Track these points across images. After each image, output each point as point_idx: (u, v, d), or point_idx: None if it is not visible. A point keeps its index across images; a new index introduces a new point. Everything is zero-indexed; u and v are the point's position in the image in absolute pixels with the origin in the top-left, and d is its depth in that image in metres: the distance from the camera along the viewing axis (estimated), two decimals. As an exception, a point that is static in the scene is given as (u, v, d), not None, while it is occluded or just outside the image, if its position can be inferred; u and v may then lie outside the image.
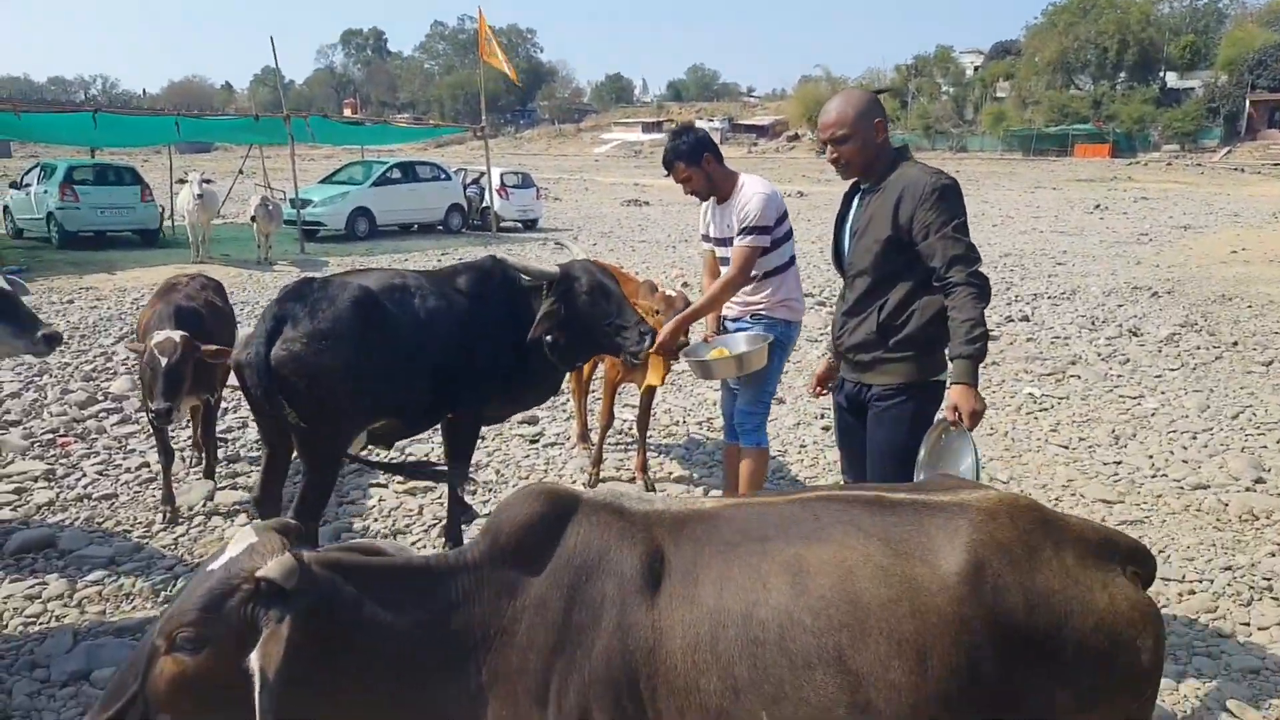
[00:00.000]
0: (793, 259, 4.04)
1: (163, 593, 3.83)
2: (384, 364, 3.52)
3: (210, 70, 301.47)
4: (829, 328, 3.82)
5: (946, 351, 2.80)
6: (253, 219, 14.34)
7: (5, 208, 17.24)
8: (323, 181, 20.11)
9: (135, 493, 4.96)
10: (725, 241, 4.00)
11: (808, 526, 1.78)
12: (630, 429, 6.05)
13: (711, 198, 4.06)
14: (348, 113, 69.34)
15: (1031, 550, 1.72)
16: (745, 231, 3.82)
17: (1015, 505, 1.81)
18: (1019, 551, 1.71)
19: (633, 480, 5.20)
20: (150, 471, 5.21)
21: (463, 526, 4.29)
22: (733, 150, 64.01)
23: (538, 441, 5.89)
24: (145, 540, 4.36)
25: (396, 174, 19.55)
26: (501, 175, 21.63)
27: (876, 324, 2.93)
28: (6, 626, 3.52)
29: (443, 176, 20.38)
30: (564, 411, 6.39)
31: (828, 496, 1.88)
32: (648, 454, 5.30)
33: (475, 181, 21.58)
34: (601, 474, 5.22)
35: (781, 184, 39.52)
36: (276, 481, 3.75)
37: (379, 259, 15.45)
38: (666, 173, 4.03)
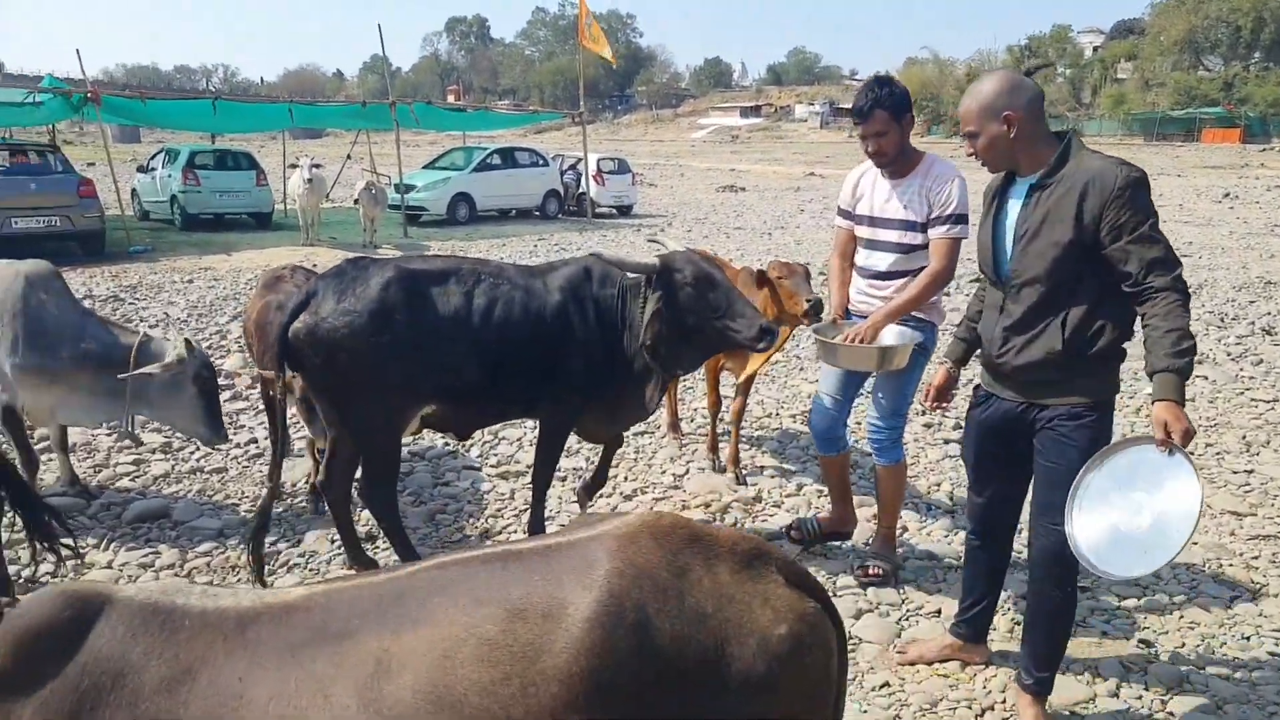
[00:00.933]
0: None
1: (266, 566, 3.96)
2: (413, 345, 3.43)
3: (323, 58, 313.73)
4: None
5: (1146, 365, 2.48)
6: (357, 202, 14.79)
7: (134, 191, 18.26)
8: (426, 167, 20.60)
9: (244, 468, 5.17)
10: (892, 223, 3.59)
11: (409, 607, 1.47)
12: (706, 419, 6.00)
13: (873, 171, 3.66)
14: (451, 99, 70.88)
15: (680, 572, 1.51)
16: (949, 220, 3.44)
17: (658, 525, 1.58)
18: (665, 576, 1.49)
19: (724, 471, 5.12)
20: (258, 448, 5.41)
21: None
22: (834, 134, 62.75)
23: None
24: (251, 514, 4.52)
25: (496, 160, 19.88)
26: (598, 161, 21.73)
27: (1061, 341, 2.62)
28: (124, 592, 3.70)
29: (540, 163, 20.62)
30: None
31: (450, 562, 1.56)
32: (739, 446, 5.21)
33: (572, 167, 21.74)
34: (713, 460, 5.22)
35: (883, 170, 38.60)
36: (340, 465, 3.80)
37: (477, 244, 15.74)
38: (858, 121, 3.52)
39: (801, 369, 7.56)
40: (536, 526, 3.97)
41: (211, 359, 4.03)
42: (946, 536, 4.34)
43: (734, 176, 35.96)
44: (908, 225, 3.56)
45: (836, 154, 43.31)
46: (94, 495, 4.65)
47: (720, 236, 17.51)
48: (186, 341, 4.10)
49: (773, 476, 5.12)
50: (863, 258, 3.77)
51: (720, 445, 5.27)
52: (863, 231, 3.73)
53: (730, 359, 5.01)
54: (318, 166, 14.87)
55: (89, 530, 4.26)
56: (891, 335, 3.54)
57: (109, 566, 3.92)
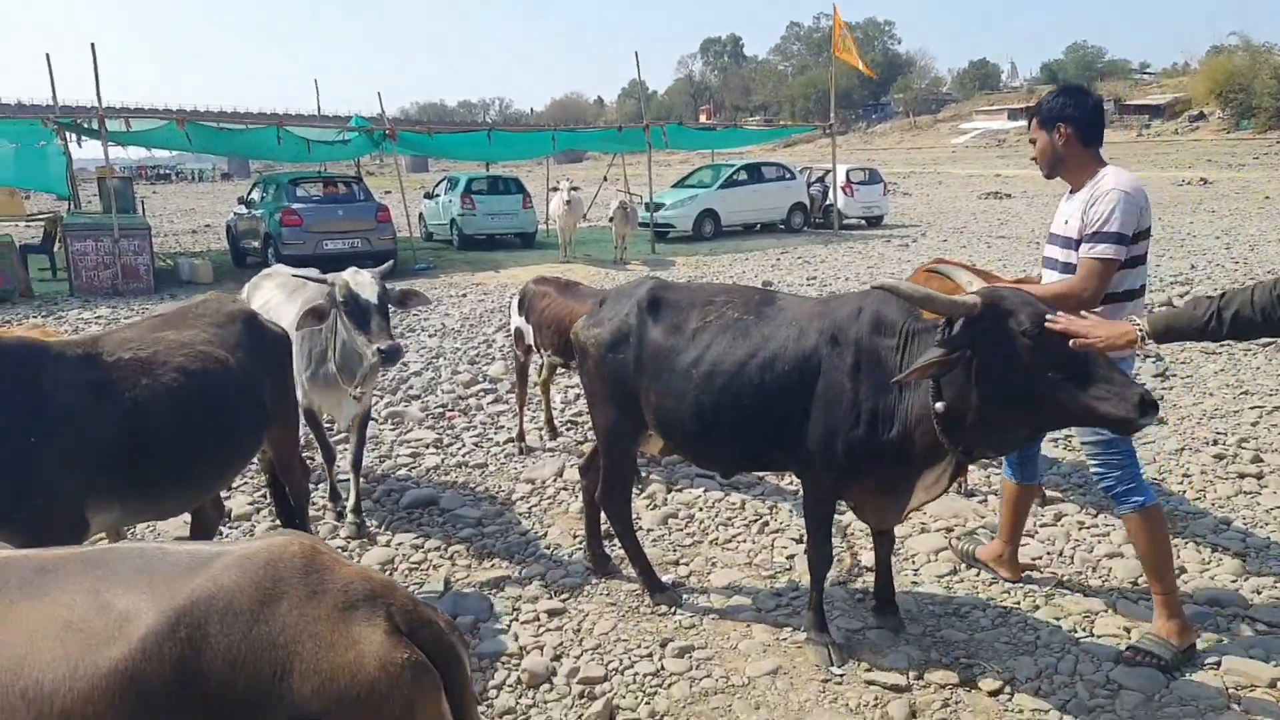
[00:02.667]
0: (1143, 288, 3.28)
1: (516, 555, 4.29)
2: (636, 369, 3.48)
3: (586, 86, 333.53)
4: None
5: None
6: (612, 221, 15.57)
7: (420, 215, 20.45)
8: (675, 186, 21.27)
9: (501, 464, 5.61)
10: (1057, 240, 3.31)
11: (41, 581, 1.60)
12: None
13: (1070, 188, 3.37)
14: (703, 118, 72.69)
15: (267, 600, 1.54)
16: (1095, 238, 3.06)
17: (283, 550, 1.62)
18: (245, 602, 1.53)
19: (971, 495, 4.82)
20: (514, 447, 5.85)
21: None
22: (1118, 134, 56.91)
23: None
24: (506, 507, 4.91)
25: (743, 176, 20.13)
26: (847, 172, 21.34)
27: None
28: (397, 569, 4.16)
29: (787, 176, 20.60)
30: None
31: (101, 550, 1.69)
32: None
33: (820, 180, 21.49)
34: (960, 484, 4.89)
35: (1179, 170, 34.54)
36: (596, 460, 4.01)
37: (720, 259, 15.98)
38: (1028, 129, 3.47)
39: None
40: (816, 617, 3.39)
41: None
42: (1235, 581, 3.80)
43: (999, 183, 33.73)
44: (1068, 242, 3.23)
45: (1123, 155, 38.99)
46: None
47: (980, 246, 16.52)
48: (329, 284, 4.33)
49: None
50: (1045, 278, 3.44)
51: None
52: (1048, 250, 3.43)
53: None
54: (575, 189, 15.84)
55: (373, 513, 4.83)
56: None
57: (388, 545, 4.41)
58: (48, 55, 13.29)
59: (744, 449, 3.39)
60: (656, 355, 3.44)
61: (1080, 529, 4.39)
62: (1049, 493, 4.83)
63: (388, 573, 4.09)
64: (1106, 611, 3.61)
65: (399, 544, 4.43)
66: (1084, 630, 3.48)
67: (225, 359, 3.26)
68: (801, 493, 3.47)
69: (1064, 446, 5.52)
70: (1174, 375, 7.05)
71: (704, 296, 3.53)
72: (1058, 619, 3.56)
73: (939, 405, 2.76)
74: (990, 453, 2.97)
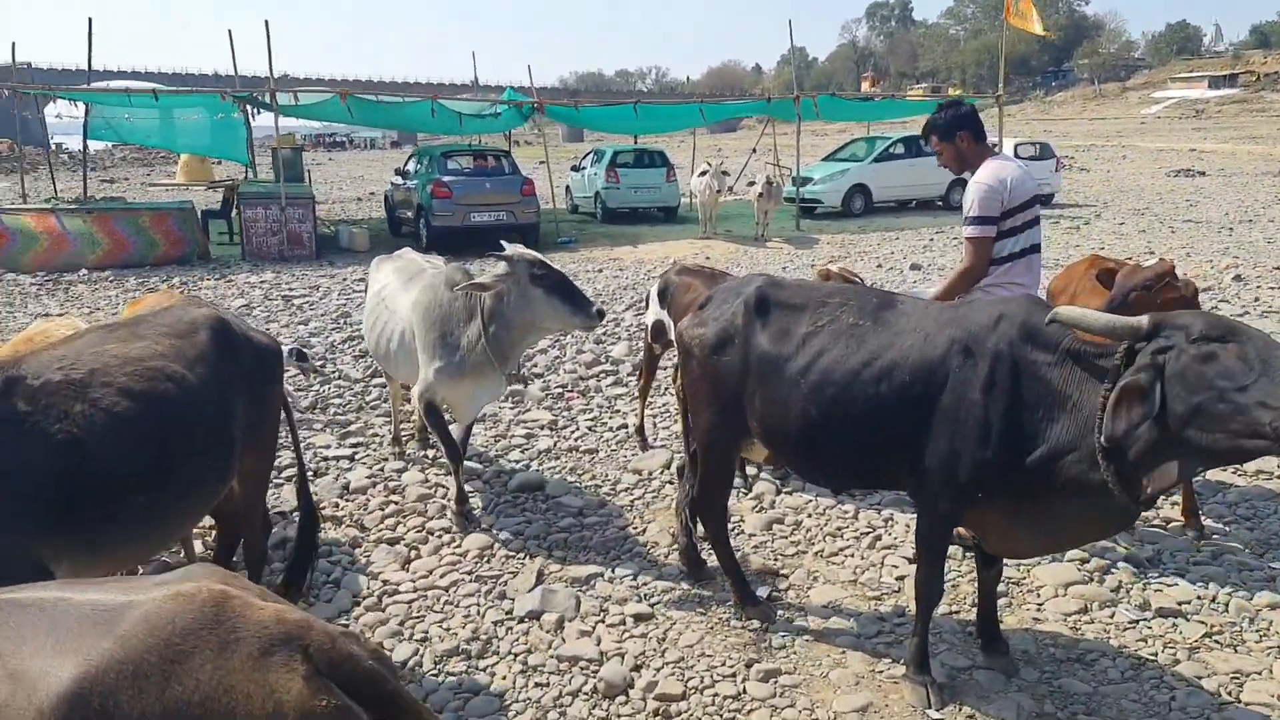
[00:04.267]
0: (1035, 247, 3.85)
1: (612, 550, 4.22)
2: (740, 373, 3.28)
3: (744, 53, 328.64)
4: None
5: None
6: (758, 197, 15.18)
7: (567, 187, 20.70)
8: (825, 159, 20.53)
9: (611, 451, 5.56)
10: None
11: None
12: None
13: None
14: (865, 86, 69.94)
15: (178, 658, 1.49)
16: (966, 223, 3.81)
17: (191, 600, 1.56)
18: (153, 662, 1.48)
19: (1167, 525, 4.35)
20: (627, 433, 5.78)
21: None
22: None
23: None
24: (610, 497, 4.84)
25: (900, 149, 19.18)
26: (1015, 145, 19.92)
27: None
28: (495, 555, 4.18)
29: (948, 150, 19.43)
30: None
31: (20, 599, 1.61)
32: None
33: (985, 154, 20.20)
34: None
35: None
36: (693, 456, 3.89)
37: (868, 236, 15.35)
38: (934, 141, 3.95)
39: None
40: (919, 652, 3.13)
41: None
42: None
43: (1192, 159, 30.78)
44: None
45: (991, 151, 34.55)
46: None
47: (1163, 232, 15.10)
48: (506, 259, 4.24)
49: (1178, 536, 4.23)
50: None
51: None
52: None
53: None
54: (723, 172, 15.48)
55: (480, 493, 4.88)
56: None
57: (488, 531, 4.43)
58: (230, 31, 14.28)
59: (855, 466, 3.18)
60: (763, 360, 3.24)
61: (1242, 570, 3.87)
62: (1207, 522, 4.30)
63: (485, 559, 4.12)
64: (1260, 674, 3.15)
65: (500, 528, 4.44)
66: (1230, 694, 3.05)
67: (182, 377, 2.76)
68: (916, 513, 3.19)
69: (1234, 469, 4.91)
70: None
71: (817, 298, 3.28)
72: (1200, 677, 3.14)
73: (1102, 438, 2.43)
74: (1152, 491, 2.50)
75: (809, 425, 3.10)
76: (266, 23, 13.12)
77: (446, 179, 14.14)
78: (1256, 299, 9.40)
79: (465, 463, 5.18)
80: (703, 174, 15.78)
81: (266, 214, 13.25)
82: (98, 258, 12.17)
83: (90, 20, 15.48)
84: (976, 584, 3.32)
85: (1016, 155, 19.53)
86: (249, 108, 15.13)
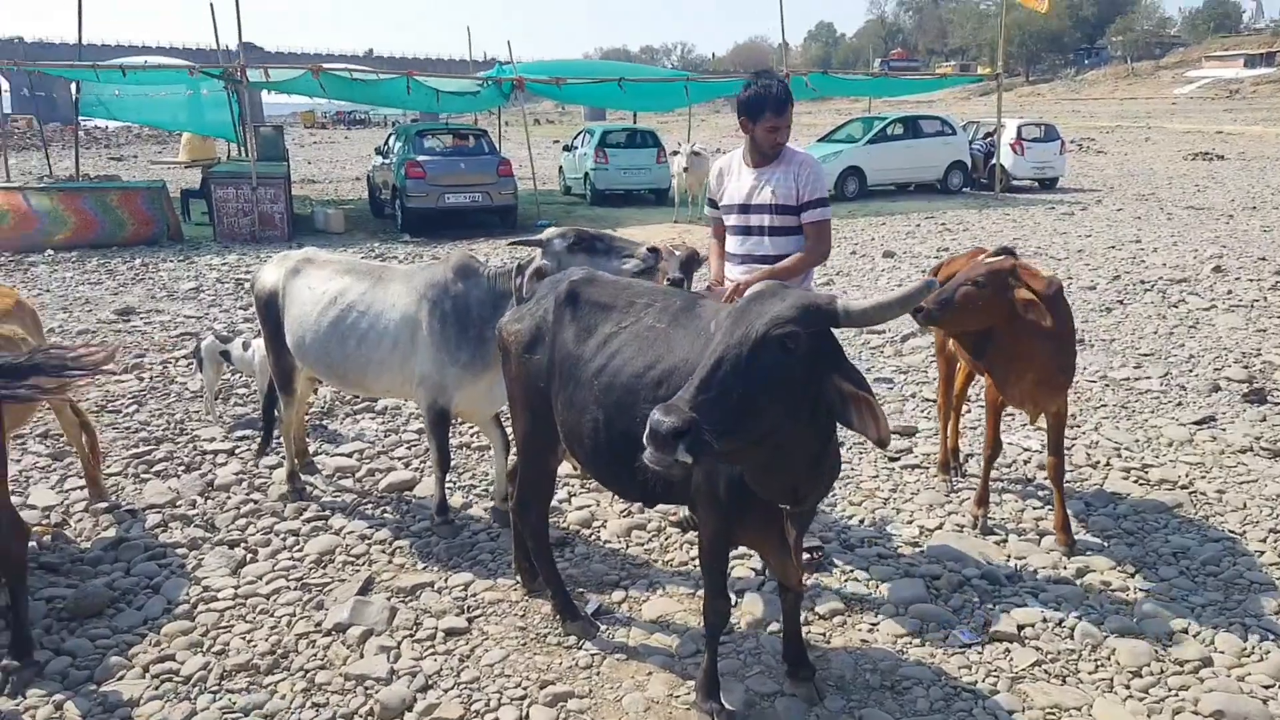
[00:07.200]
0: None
1: (454, 558, 4.08)
2: (548, 374, 3.13)
3: (772, 29, 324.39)
4: None
5: None
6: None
7: (560, 168, 20.47)
8: (822, 140, 20.11)
9: (502, 448, 5.40)
10: (751, 209, 3.75)
11: None
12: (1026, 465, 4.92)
13: (736, 159, 3.88)
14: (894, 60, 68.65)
15: None
16: (821, 204, 3.71)
17: None
18: None
19: (986, 534, 4.14)
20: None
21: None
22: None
23: (898, 460, 5.05)
24: (480, 499, 4.70)
25: (898, 130, 18.76)
26: (1019, 127, 19.50)
27: None
28: (335, 560, 4.05)
29: (947, 131, 19.00)
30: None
31: None
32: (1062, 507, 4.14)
33: (988, 136, 19.71)
34: (977, 518, 4.24)
35: None
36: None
37: (857, 221, 14.99)
38: (777, 116, 3.62)
39: (1176, 403, 5.89)
40: (707, 679, 2.99)
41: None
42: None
43: (1215, 141, 29.86)
44: (779, 209, 3.70)
45: None
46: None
47: (1158, 219, 14.61)
48: (537, 243, 4.05)
49: (1048, 552, 4.00)
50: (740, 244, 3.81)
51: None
52: (735, 219, 3.82)
53: (1012, 391, 3.97)
54: (696, 152, 15.13)
55: (347, 492, 4.75)
56: None
57: (338, 534, 4.30)
58: (211, 4, 14.04)
59: (639, 476, 2.93)
60: (565, 360, 3.08)
61: (1101, 592, 3.65)
62: (1086, 536, 4.08)
63: (323, 564, 3.99)
64: (1079, 710, 2.95)
65: (348, 533, 4.29)
66: (1041, 732, 2.86)
67: None
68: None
69: (1136, 478, 4.69)
70: None
71: (628, 297, 3.10)
72: (1013, 712, 2.95)
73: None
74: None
75: (597, 431, 2.94)
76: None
77: (420, 158, 13.95)
78: (1230, 291, 9.03)
79: (342, 460, 5.10)
80: (674, 154, 15.47)
81: (238, 194, 13.19)
82: (65, 237, 12.18)
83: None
84: (782, 608, 3.13)
85: (1020, 135, 19.09)
86: (229, 85, 15.03)
